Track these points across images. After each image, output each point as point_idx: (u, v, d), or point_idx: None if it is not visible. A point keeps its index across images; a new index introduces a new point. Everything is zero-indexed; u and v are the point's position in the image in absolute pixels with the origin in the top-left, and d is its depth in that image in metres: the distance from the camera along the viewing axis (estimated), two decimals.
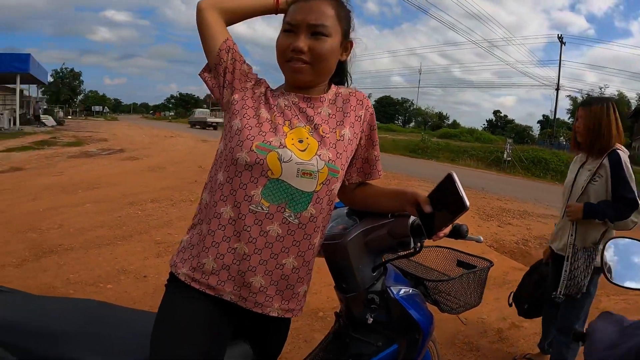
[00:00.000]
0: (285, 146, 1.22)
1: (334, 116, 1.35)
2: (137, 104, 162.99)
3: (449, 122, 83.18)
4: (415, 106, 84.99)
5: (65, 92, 66.48)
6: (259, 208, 1.20)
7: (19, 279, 3.83)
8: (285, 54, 1.28)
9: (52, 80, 59.11)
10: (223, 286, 1.23)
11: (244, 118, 1.28)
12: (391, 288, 1.55)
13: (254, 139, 1.22)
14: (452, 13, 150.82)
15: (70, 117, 50.29)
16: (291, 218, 1.22)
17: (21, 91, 28.41)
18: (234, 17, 1.40)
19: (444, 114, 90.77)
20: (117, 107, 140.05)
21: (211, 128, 39.86)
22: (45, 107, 41.63)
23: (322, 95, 1.36)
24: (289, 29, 1.28)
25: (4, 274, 3.96)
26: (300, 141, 1.25)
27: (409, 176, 13.79)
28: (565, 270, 2.60)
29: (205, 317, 1.24)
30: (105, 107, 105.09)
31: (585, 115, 2.58)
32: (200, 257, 1.25)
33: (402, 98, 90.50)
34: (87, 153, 15.00)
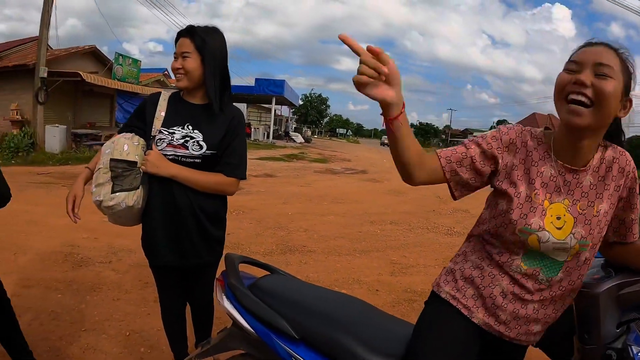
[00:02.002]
0: (543, 228, 1.35)
1: (594, 187, 1.38)
2: (377, 129, 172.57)
3: None
4: None
5: (313, 114, 74.76)
6: (518, 269, 1.39)
7: None
8: (565, 89, 1.29)
9: (301, 103, 67.40)
10: (477, 310, 1.44)
11: (506, 200, 1.40)
12: (632, 347, 1.46)
13: (517, 224, 1.36)
14: None
15: (316, 136, 55.99)
16: (543, 280, 1.39)
17: (275, 111, 34.22)
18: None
19: None
20: (359, 131, 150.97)
21: None
22: (295, 125, 47.61)
23: (587, 164, 1.37)
24: (572, 68, 1.30)
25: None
26: (558, 218, 1.37)
27: None
28: None
29: (460, 334, 1.45)
30: (348, 130, 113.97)
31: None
32: (465, 283, 1.49)
33: None
34: (331, 170, 16.60)
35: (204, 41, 2.08)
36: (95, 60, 20.54)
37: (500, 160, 1.40)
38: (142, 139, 2.15)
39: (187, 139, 2.09)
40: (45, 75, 14.84)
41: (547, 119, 20.40)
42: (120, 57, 20.35)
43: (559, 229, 1.35)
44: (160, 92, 2.25)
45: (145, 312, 3.62)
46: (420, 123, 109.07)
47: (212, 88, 2.10)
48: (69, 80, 16.07)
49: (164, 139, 2.09)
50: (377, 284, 4.55)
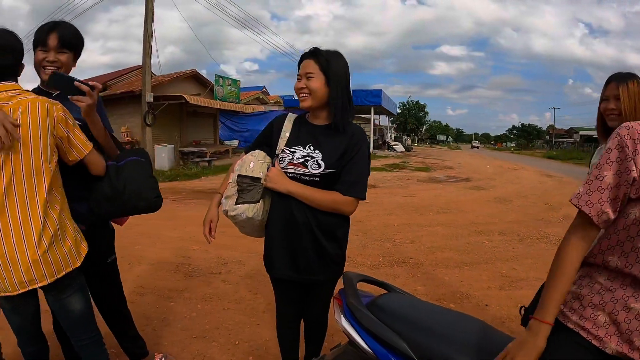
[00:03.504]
0: None
1: None
2: (478, 133, 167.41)
3: None
4: None
5: (412, 121, 73.88)
6: None
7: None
8: None
9: (399, 111, 66.69)
10: (610, 339, 1.30)
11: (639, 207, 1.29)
12: None
13: None
14: None
15: (416, 144, 55.32)
16: None
17: (374, 120, 34.41)
18: None
19: None
20: (459, 137, 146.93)
21: None
22: (394, 134, 47.28)
23: None
24: None
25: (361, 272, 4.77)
26: None
27: None
28: None
29: None
30: (449, 136, 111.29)
31: (625, 94, 2.17)
32: (595, 309, 1.35)
33: None
34: (434, 179, 16.34)
35: (328, 62, 2.13)
36: (197, 83, 21.90)
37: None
38: (268, 157, 2.27)
39: (307, 158, 2.15)
40: (152, 99, 16.22)
41: None
42: (220, 78, 21.55)
43: None
44: (287, 114, 2.36)
45: (255, 322, 3.77)
46: (522, 125, 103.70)
47: (336, 107, 2.16)
48: (174, 103, 17.40)
49: (286, 157, 2.18)
50: (486, 299, 4.40)
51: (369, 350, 1.65)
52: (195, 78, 21.93)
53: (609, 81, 2.31)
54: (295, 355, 2.62)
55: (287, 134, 2.26)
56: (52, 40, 2.16)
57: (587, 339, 1.33)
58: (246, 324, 3.73)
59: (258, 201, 2.19)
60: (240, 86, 23.51)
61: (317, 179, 2.14)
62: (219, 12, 43.82)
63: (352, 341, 1.75)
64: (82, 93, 2.04)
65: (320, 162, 2.13)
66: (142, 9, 16.00)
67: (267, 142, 2.35)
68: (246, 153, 2.36)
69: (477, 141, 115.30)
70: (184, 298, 4.26)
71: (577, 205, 1.33)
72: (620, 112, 2.22)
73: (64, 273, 1.93)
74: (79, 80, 2.03)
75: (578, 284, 1.44)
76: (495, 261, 5.73)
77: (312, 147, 2.17)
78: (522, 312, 2.52)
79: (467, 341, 1.57)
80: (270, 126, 2.38)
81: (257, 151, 2.31)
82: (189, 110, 20.17)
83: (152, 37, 15.96)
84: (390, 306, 1.79)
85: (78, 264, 1.99)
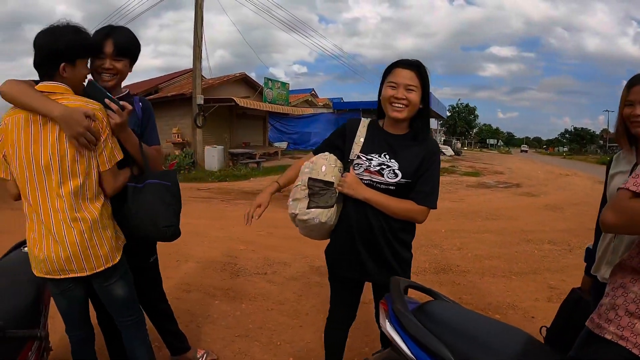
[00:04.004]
0: None
1: None
2: (529, 137, 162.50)
3: None
4: None
5: (461, 125, 72.33)
6: None
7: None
8: None
9: (449, 114, 65.49)
10: None
11: None
12: None
13: None
14: None
15: (465, 148, 54.22)
16: None
17: None
18: None
19: None
20: (510, 141, 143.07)
21: None
22: (443, 138, 46.55)
23: None
24: None
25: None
26: None
27: None
28: None
29: None
30: (499, 140, 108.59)
31: None
32: (632, 317, 1.34)
33: None
34: (484, 184, 15.99)
35: (426, 77, 2.15)
36: (246, 86, 22.36)
37: None
38: (339, 161, 2.27)
39: (383, 166, 2.16)
40: (202, 102, 16.71)
41: None
42: (270, 81, 21.91)
43: None
44: (360, 119, 2.35)
45: (297, 323, 3.81)
46: (574, 128, 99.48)
47: (424, 121, 2.20)
48: (223, 105, 17.81)
49: (362, 164, 2.19)
50: (533, 310, 4.26)
51: (412, 357, 1.66)
52: (244, 81, 22.39)
53: (633, 83, 2.00)
54: (340, 357, 2.64)
55: (362, 140, 2.26)
56: (108, 47, 2.16)
57: (627, 347, 1.32)
58: (289, 325, 3.78)
59: (332, 206, 2.19)
60: (289, 89, 23.79)
61: (392, 187, 2.16)
62: (267, 16, 44.15)
63: (395, 347, 1.76)
64: (111, 109, 2.05)
65: (397, 171, 2.14)
66: (192, 14, 16.50)
67: (338, 144, 2.35)
68: (315, 154, 2.38)
69: (526, 145, 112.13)
70: (229, 297, 4.36)
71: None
72: None
73: (103, 268, 2.02)
74: (110, 98, 2.03)
75: (612, 295, 1.44)
76: (544, 271, 5.56)
77: (387, 156, 2.18)
78: (544, 332, 2.45)
79: (511, 353, 1.56)
80: (342, 129, 2.37)
81: (327, 154, 2.30)
82: (238, 112, 20.61)
83: (202, 41, 16.42)
84: (435, 314, 1.79)
85: (117, 261, 2.07)
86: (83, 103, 1.92)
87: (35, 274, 2.02)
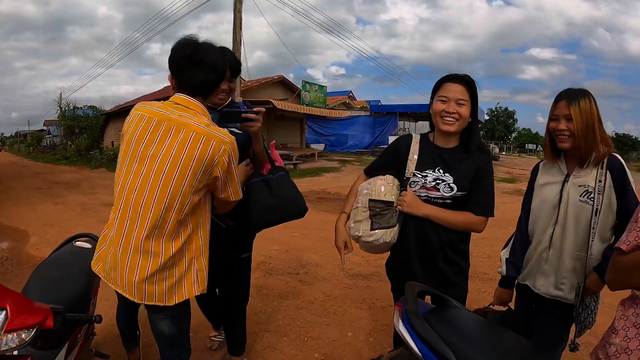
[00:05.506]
0: None
1: None
2: None
3: None
4: None
5: (500, 129, 70.49)
6: None
7: None
8: None
9: (487, 118, 64.02)
10: None
11: None
12: None
13: None
14: None
15: (504, 152, 52.93)
16: None
17: None
18: None
19: None
20: None
21: None
22: None
23: None
24: None
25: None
26: None
27: None
28: (580, 318, 2.15)
29: None
30: (539, 146, 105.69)
31: (576, 115, 2.01)
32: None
33: None
34: (520, 191, 15.59)
35: (475, 91, 2.19)
36: (284, 88, 22.48)
37: None
38: (396, 180, 2.30)
39: (438, 181, 2.20)
40: None
41: None
42: (307, 84, 22.01)
43: None
44: (411, 135, 2.38)
45: (325, 322, 3.93)
46: (616, 134, 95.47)
47: (474, 133, 2.24)
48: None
49: (418, 181, 2.23)
50: None
51: (420, 355, 1.76)
52: (282, 83, 22.58)
53: (558, 99, 2.10)
54: None
55: (416, 157, 2.28)
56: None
57: None
58: (317, 323, 3.89)
59: (394, 225, 2.22)
60: (327, 90, 23.88)
61: (449, 201, 2.20)
62: (304, 18, 44.25)
63: (406, 345, 1.86)
64: (250, 119, 2.25)
65: (452, 185, 2.18)
66: (230, 16, 16.64)
67: (392, 164, 2.37)
68: (366, 174, 2.46)
69: None
70: (262, 294, 4.51)
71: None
72: (571, 133, 2.04)
73: (153, 304, 1.94)
74: (244, 111, 2.22)
75: (624, 336, 1.44)
76: None
77: (441, 170, 2.22)
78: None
79: (510, 358, 1.67)
80: (395, 147, 2.39)
81: (384, 175, 2.33)
82: (276, 114, 20.73)
83: (240, 43, 16.48)
84: (444, 318, 1.90)
85: (170, 303, 1.95)
86: (224, 137, 1.90)
87: (92, 267, 2.06)
